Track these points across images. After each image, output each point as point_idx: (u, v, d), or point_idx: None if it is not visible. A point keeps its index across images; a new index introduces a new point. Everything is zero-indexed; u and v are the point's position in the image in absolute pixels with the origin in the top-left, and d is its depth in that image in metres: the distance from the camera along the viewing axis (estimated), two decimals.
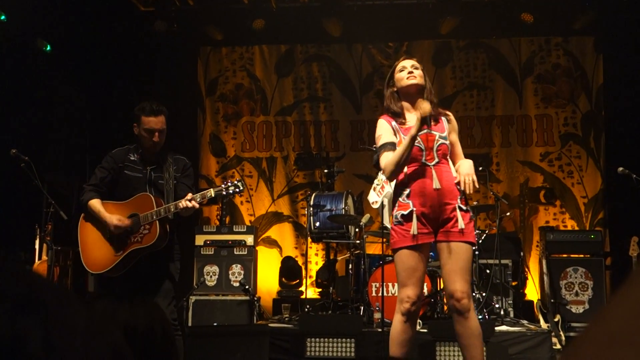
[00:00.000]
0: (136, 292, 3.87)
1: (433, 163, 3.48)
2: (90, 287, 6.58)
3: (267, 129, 8.16)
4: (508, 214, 6.82)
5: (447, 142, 3.55)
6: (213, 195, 3.80)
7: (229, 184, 3.84)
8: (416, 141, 3.44)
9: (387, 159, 3.44)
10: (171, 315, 3.87)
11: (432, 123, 3.46)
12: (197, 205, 3.75)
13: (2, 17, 6.32)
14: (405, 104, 3.61)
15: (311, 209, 6.38)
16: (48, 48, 7.02)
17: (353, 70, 8.09)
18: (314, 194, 6.53)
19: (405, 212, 3.45)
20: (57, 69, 6.97)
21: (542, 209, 7.64)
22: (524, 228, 7.46)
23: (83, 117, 7.47)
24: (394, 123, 3.56)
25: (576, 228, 7.42)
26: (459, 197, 3.48)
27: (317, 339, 5.24)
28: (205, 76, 8.27)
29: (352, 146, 8.00)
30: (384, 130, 3.56)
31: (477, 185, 3.42)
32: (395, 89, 3.63)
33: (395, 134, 3.54)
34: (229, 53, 8.27)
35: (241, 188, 3.84)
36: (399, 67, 3.60)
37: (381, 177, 5.69)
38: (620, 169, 5.50)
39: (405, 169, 3.50)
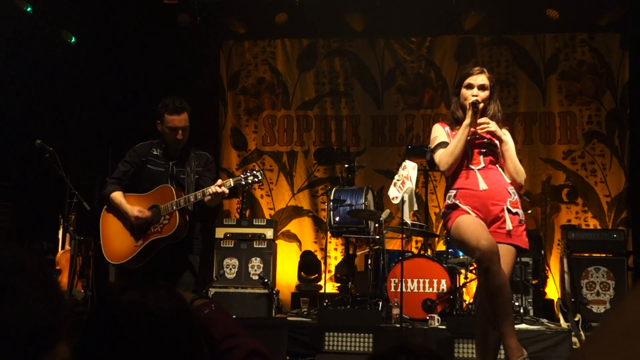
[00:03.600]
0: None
1: (478, 167, 3.53)
2: (111, 278, 6.65)
3: (288, 123, 8.18)
4: (529, 211, 6.75)
5: (498, 150, 3.58)
6: (232, 185, 3.82)
7: (248, 173, 3.86)
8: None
9: (442, 152, 3.55)
10: None
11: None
12: (227, 192, 3.78)
13: (28, 9, 6.40)
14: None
15: (331, 203, 6.39)
16: (73, 40, 7.09)
17: (375, 65, 8.06)
18: (334, 189, 6.54)
19: (451, 203, 3.53)
20: (81, 60, 7.04)
21: (564, 207, 7.56)
22: (545, 226, 7.40)
23: (106, 109, 7.54)
24: (447, 128, 3.66)
25: (598, 227, 7.34)
26: (509, 199, 3.49)
27: (336, 333, 5.26)
28: (228, 69, 8.30)
29: (373, 141, 7.98)
30: (439, 133, 3.66)
31: (491, 129, 3.51)
32: (459, 101, 3.65)
33: (448, 138, 3.62)
34: (251, 47, 8.29)
35: (260, 178, 3.85)
36: (467, 81, 3.60)
37: (402, 172, 5.68)
38: None
39: (452, 174, 3.58)
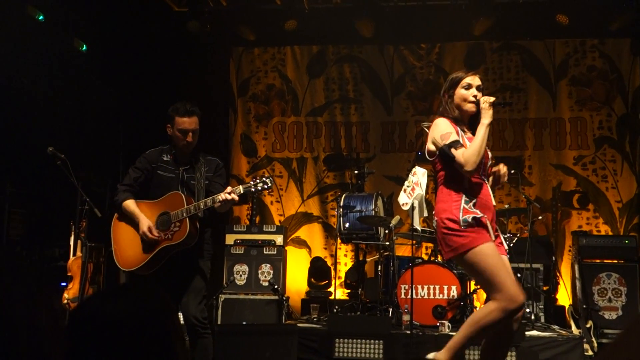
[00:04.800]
0: (168, 290, 3.92)
1: (485, 179, 3.51)
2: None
3: (298, 129, 8.19)
4: (540, 217, 6.74)
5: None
6: (242, 192, 3.83)
7: (258, 180, 3.87)
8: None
9: (467, 152, 3.35)
10: (202, 314, 3.91)
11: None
12: (237, 198, 3.79)
13: (40, 17, 6.45)
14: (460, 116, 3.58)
15: (341, 209, 6.39)
16: (84, 48, 7.15)
17: (384, 71, 8.08)
18: (343, 195, 6.54)
19: (478, 216, 3.33)
20: (93, 68, 7.10)
21: (574, 213, 7.53)
22: (556, 232, 7.36)
23: (117, 116, 7.58)
24: (457, 128, 3.50)
25: (610, 233, 7.29)
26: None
27: (346, 340, 5.25)
28: (237, 76, 8.34)
29: (383, 147, 7.99)
30: (451, 128, 3.46)
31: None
32: (454, 102, 3.55)
33: (461, 138, 3.47)
34: (261, 53, 8.33)
35: (269, 184, 3.86)
36: (464, 82, 3.52)
37: (412, 178, 5.68)
38: None
39: (468, 183, 3.44)
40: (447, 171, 3.45)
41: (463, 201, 3.37)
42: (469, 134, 3.52)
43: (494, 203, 3.48)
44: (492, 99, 3.45)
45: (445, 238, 3.38)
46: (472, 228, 3.30)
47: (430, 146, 3.51)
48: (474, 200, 3.38)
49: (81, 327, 1.26)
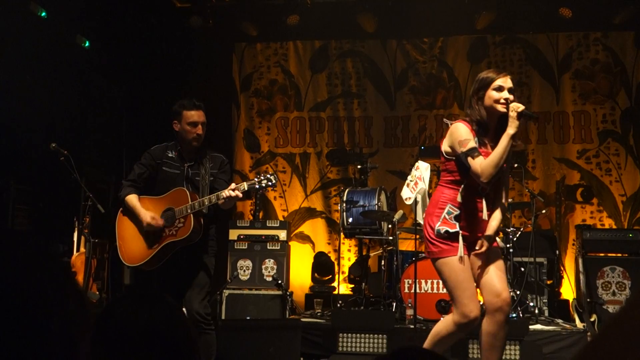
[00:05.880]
0: (172, 286, 3.93)
1: (485, 193, 3.49)
2: (126, 279, 6.69)
3: (301, 124, 8.19)
4: (543, 211, 6.73)
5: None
6: (246, 189, 3.83)
7: (262, 177, 3.87)
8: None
9: (485, 162, 3.31)
10: (205, 310, 3.91)
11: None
12: (240, 195, 3.80)
13: (43, 14, 6.45)
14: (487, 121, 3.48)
15: (344, 204, 6.38)
16: (86, 44, 7.15)
17: (387, 66, 8.06)
18: (347, 190, 6.54)
19: (452, 231, 3.42)
20: (95, 64, 7.10)
21: (578, 207, 7.51)
22: (560, 226, 7.35)
23: (120, 112, 7.59)
24: (476, 139, 3.44)
25: (614, 227, 7.28)
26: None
27: (349, 335, 5.26)
28: (240, 72, 8.33)
29: (386, 142, 7.98)
30: (469, 135, 3.41)
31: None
32: (483, 103, 3.44)
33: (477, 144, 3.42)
34: (263, 49, 8.32)
35: (274, 182, 3.87)
36: (496, 83, 3.40)
37: (415, 173, 5.66)
38: None
39: (461, 193, 3.45)
40: (461, 177, 3.45)
41: (446, 211, 3.46)
42: (488, 147, 3.44)
43: (484, 218, 3.47)
44: (521, 107, 3.34)
45: (425, 239, 3.57)
46: (443, 240, 3.44)
47: (446, 148, 3.50)
48: (458, 213, 3.44)
49: (110, 332, 1.26)
